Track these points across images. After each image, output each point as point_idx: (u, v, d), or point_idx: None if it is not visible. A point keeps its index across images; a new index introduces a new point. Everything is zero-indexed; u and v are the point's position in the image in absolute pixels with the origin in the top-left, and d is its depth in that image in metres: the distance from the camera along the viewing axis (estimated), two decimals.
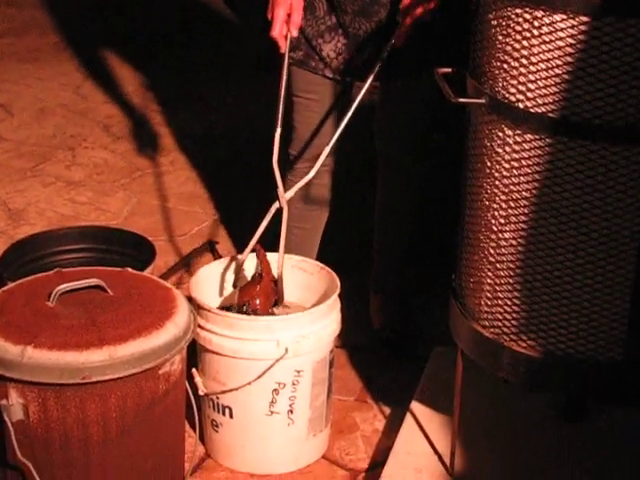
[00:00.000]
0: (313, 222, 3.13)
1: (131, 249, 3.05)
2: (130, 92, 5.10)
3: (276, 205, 2.71)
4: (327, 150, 2.73)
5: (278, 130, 2.73)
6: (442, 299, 2.49)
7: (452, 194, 2.49)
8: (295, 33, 2.73)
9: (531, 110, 1.99)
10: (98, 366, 2.12)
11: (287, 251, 2.78)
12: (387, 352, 3.14)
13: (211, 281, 2.78)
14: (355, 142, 3.00)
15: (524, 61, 1.99)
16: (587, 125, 1.93)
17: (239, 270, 2.78)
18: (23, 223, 3.92)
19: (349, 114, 2.66)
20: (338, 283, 2.69)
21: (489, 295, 2.18)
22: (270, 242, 2.73)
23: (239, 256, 2.78)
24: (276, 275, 2.73)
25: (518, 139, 2.03)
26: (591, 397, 2.29)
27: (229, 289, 2.83)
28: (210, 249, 3.69)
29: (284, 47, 2.73)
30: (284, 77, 2.75)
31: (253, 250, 2.73)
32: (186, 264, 3.60)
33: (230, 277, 2.82)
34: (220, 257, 3.28)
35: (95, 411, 2.15)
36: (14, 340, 2.15)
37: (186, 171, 4.38)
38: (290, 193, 2.73)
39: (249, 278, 2.78)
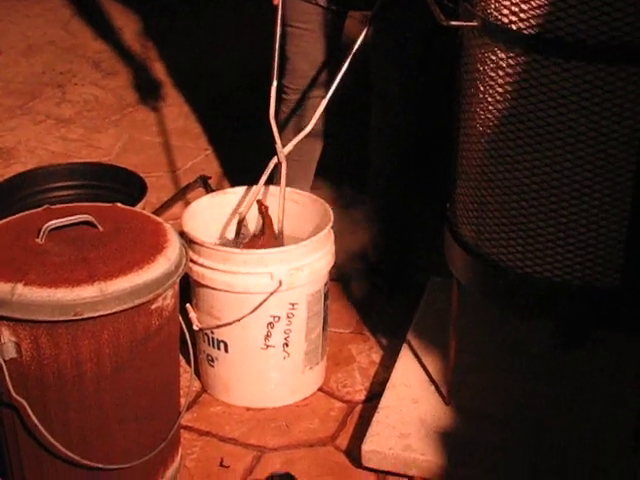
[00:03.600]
0: (307, 154, 3.11)
1: (122, 185, 3.01)
2: (120, 27, 5.03)
3: (274, 160, 2.69)
4: (324, 103, 2.73)
5: (274, 83, 2.71)
6: (437, 229, 2.47)
7: (445, 123, 2.46)
8: None
9: (524, 32, 1.95)
10: (89, 302, 2.09)
11: None
12: (383, 284, 3.13)
13: (203, 215, 2.76)
14: (348, 73, 2.96)
15: None
16: (582, 45, 1.89)
17: (239, 225, 2.76)
18: (14, 162, 3.89)
19: (348, 59, 2.65)
20: (332, 215, 2.66)
21: (484, 222, 2.16)
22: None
23: (239, 211, 2.76)
24: (277, 230, 2.71)
25: (511, 62, 1.99)
26: (588, 324, 2.27)
27: (221, 223, 2.81)
28: (203, 184, 3.65)
29: None
30: (278, 30, 2.72)
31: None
32: (179, 199, 3.57)
33: (222, 211, 2.80)
34: (213, 191, 3.24)
35: (88, 348, 2.13)
36: (4, 278, 2.12)
37: (177, 107, 4.34)
38: (288, 147, 2.71)
39: (250, 231, 2.76)
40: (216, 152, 3.95)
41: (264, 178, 2.70)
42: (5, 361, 2.12)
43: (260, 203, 2.72)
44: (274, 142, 2.71)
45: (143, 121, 4.20)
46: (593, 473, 2.31)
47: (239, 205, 2.80)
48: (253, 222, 2.80)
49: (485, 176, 2.13)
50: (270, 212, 2.73)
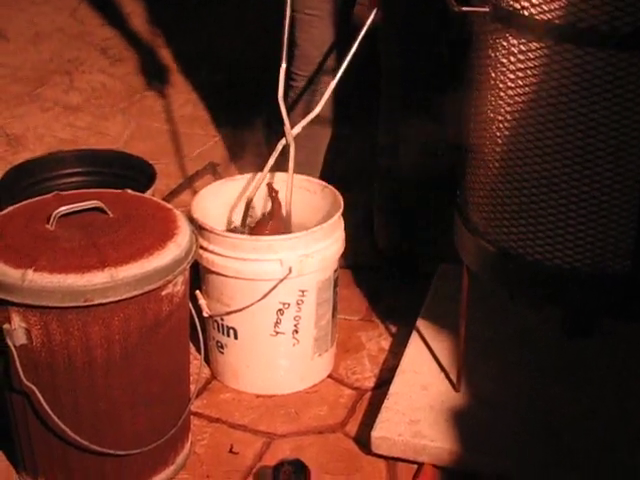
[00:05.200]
0: (316, 141, 3.10)
1: (131, 172, 3.00)
2: (127, 14, 5.02)
3: (283, 142, 2.69)
4: (333, 84, 2.72)
5: (283, 65, 2.70)
6: (446, 216, 2.47)
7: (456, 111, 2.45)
8: None
9: (536, 17, 1.94)
10: (100, 288, 2.09)
11: None
12: (392, 271, 3.13)
13: (213, 202, 2.75)
14: (358, 60, 2.96)
15: None
16: (594, 31, 1.88)
17: (247, 208, 2.76)
18: (22, 149, 3.88)
19: (356, 44, 2.64)
20: (341, 202, 2.66)
21: (494, 209, 2.15)
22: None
23: (247, 194, 2.76)
24: (285, 214, 2.71)
25: (523, 48, 1.98)
26: (597, 311, 2.27)
27: (231, 210, 2.81)
28: (212, 171, 3.65)
29: None
30: (288, 12, 2.71)
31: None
32: (188, 186, 3.56)
33: (231, 197, 2.80)
34: (222, 178, 3.24)
35: (98, 334, 2.14)
36: (14, 264, 2.12)
37: (186, 93, 4.33)
38: (297, 129, 2.70)
39: (259, 214, 2.76)
40: (225, 139, 3.94)
41: (271, 161, 2.69)
42: (16, 347, 2.13)
43: (270, 187, 2.72)
44: (283, 124, 2.69)
45: (151, 108, 4.20)
46: (603, 461, 2.31)
47: (248, 191, 2.80)
48: (260, 205, 2.79)
49: (496, 162, 2.12)
50: (279, 197, 2.73)
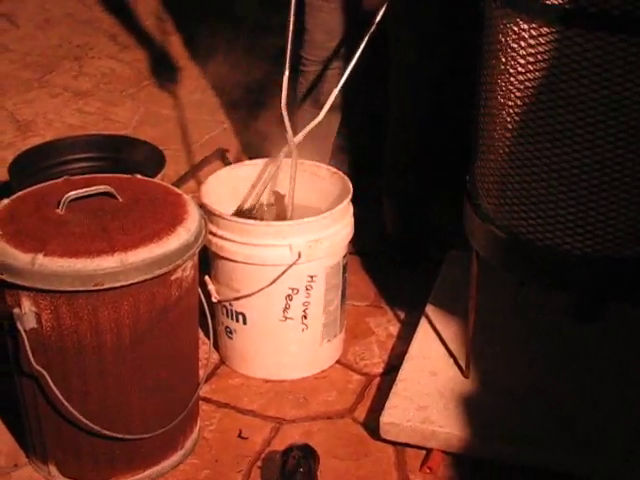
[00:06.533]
0: (324, 127, 3.09)
1: (140, 157, 3.00)
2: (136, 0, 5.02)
3: (285, 150, 2.68)
4: (336, 91, 2.70)
5: (286, 73, 2.69)
6: (456, 202, 2.46)
7: (466, 95, 2.44)
8: None
9: (547, 2, 1.93)
10: (110, 273, 2.09)
11: (300, 156, 2.75)
12: (401, 257, 3.12)
13: (222, 187, 2.75)
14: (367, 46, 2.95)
15: None
16: (605, 16, 1.87)
17: (256, 201, 2.78)
18: (31, 134, 3.89)
19: (369, 33, 2.64)
20: (351, 188, 2.65)
21: (504, 194, 2.15)
22: None
23: (249, 201, 2.77)
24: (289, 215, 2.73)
25: (534, 33, 1.97)
26: (608, 296, 2.26)
27: (240, 196, 2.81)
28: (220, 157, 3.65)
29: None
30: (292, 18, 2.70)
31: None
32: (197, 172, 3.56)
33: (241, 183, 2.80)
34: (230, 164, 3.24)
35: (108, 318, 2.14)
36: (24, 248, 2.12)
37: (194, 80, 4.32)
38: (299, 137, 2.70)
39: (265, 207, 2.76)
40: (234, 125, 3.94)
41: (274, 168, 2.70)
42: (26, 331, 2.14)
43: (276, 193, 2.74)
44: (286, 131, 2.69)
45: (160, 94, 4.20)
46: (611, 446, 2.31)
47: (257, 177, 2.80)
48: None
49: (506, 148, 2.11)
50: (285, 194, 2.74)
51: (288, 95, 2.71)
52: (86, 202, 2.27)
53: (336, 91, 2.70)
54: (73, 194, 2.24)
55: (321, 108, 2.84)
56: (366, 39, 2.66)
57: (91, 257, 2.10)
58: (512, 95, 2.06)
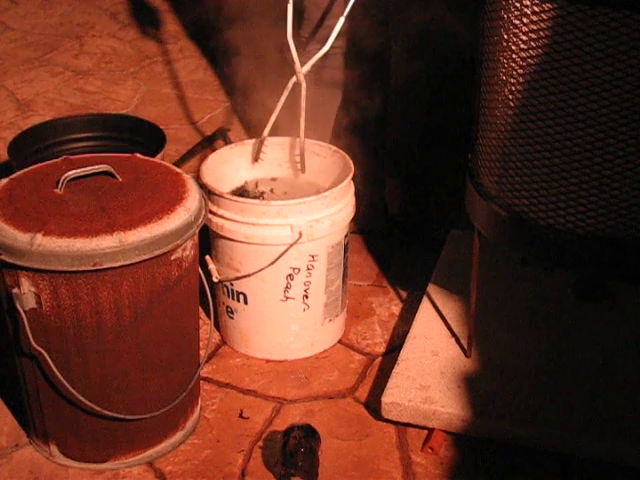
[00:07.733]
0: (326, 105, 3.08)
1: (141, 136, 3.00)
2: None
3: (293, 80, 2.65)
4: (342, 20, 2.65)
5: (290, 2, 2.66)
6: (457, 182, 2.45)
7: (467, 75, 2.42)
8: None
9: None
10: (109, 252, 2.08)
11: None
12: (403, 236, 3.11)
13: (222, 166, 2.74)
14: (368, 27, 2.93)
15: None
16: None
17: (260, 146, 2.77)
18: (32, 114, 3.87)
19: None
20: (352, 166, 2.64)
21: (506, 172, 2.13)
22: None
23: (265, 133, 2.73)
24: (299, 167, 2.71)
25: (536, 9, 1.95)
26: (610, 276, 2.25)
27: (240, 175, 2.79)
28: (222, 136, 3.63)
29: None
30: None
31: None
32: (198, 151, 3.55)
33: (241, 162, 2.78)
34: (231, 143, 3.22)
35: (107, 298, 2.13)
36: (23, 228, 2.11)
37: (196, 59, 4.30)
38: (307, 67, 2.66)
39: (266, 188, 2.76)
40: (235, 104, 3.92)
41: (282, 99, 2.65)
42: (25, 311, 2.13)
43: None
44: (292, 62, 2.65)
45: (161, 73, 4.18)
46: (616, 424, 2.30)
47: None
48: (274, 155, 2.80)
49: (508, 125, 2.10)
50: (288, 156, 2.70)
51: (293, 25, 2.67)
52: (85, 182, 2.25)
53: (342, 19, 2.65)
54: (72, 173, 2.23)
55: (323, 87, 2.83)
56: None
57: (90, 237, 2.09)
58: (514, 72, 2.04)
